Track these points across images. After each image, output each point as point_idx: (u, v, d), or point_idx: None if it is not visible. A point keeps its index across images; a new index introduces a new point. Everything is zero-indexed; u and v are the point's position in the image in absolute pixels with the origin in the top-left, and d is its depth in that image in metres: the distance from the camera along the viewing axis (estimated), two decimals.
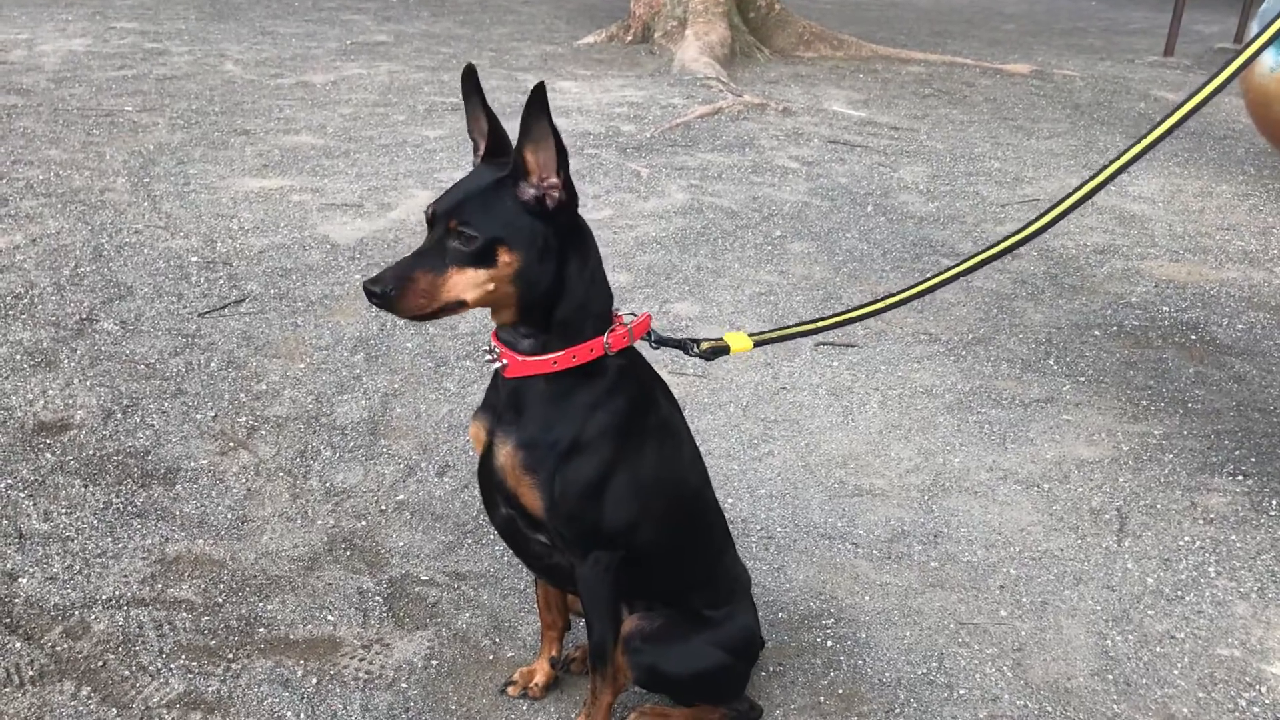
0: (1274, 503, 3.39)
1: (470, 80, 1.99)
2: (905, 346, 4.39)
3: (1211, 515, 3.33)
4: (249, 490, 3.24)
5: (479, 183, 1.94)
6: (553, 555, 2.16)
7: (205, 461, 3.37)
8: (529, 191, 1.90)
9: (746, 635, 2.36)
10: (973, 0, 16.85)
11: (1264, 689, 2.62)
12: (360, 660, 2.58)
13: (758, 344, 2.36)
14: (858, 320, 2.43)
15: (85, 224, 5.21)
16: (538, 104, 1.81)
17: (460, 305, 1.91)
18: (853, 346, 4.36)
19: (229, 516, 3.12)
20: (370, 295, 1.86)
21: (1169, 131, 2.32)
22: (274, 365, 3.98)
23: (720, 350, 2.31)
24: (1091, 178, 2.31)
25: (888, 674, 2.63)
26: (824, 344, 4.35)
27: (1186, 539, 3.21)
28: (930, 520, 3.26)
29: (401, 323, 4.29)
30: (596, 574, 2.10)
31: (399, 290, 1.86)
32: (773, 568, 3.01)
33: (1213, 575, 3.05)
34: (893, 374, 4.16)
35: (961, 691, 2.58)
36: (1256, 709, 2.56)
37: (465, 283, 1.88)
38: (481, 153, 2.03)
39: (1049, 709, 2.53)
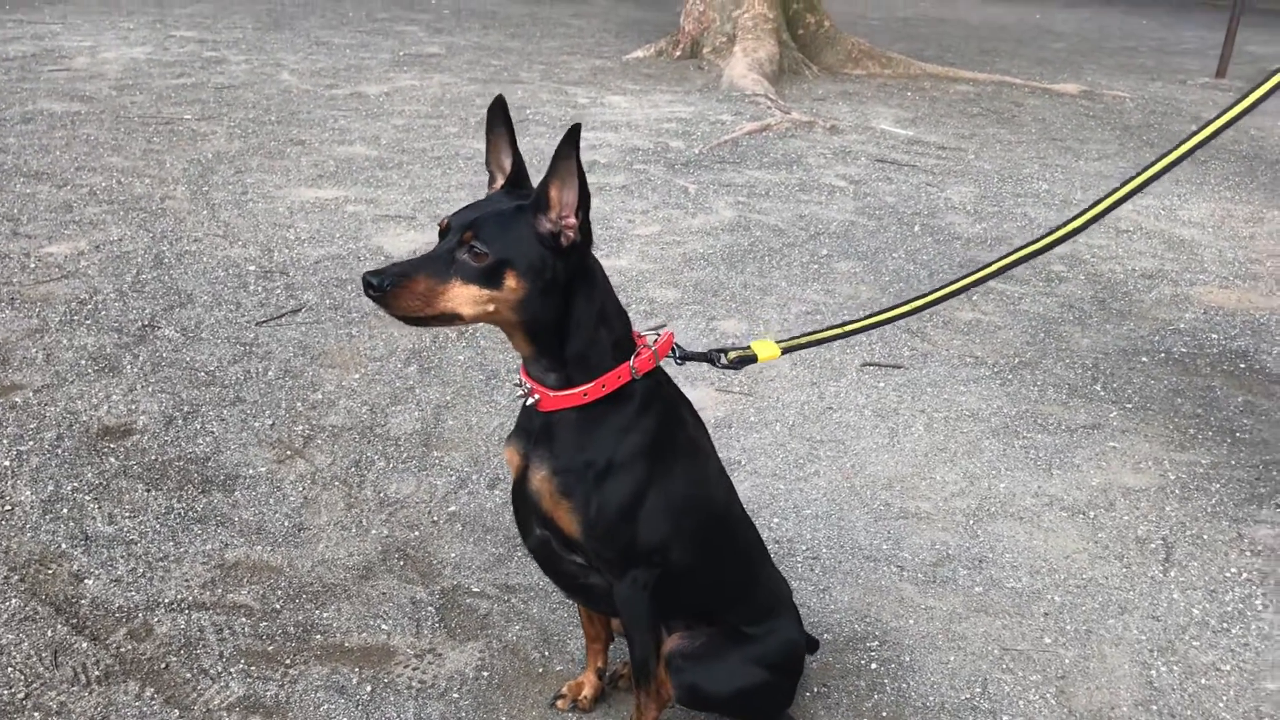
0: None
1: (499, 112, 2.03)
2: (951, 369, 4.40)
3: (1259, 547, 3.32)
4: (305, 498, 3.32)
5: (500, 205, 1.97)
6: (588, 576, 2.20)
7: (263, 469, 3.46)
8: (546, 225, 1.94)
9: (789, 651, 2.39)
10: (1022, 18, 16.79)
11: None
12: (414, 669, 2.65)
13: (785, 350, 2.37)
14: (885, 323, 2.43)
15: (146, 231, 5.35)
16: (570, 144, 1.85)
17: (455, 319, 1.93)
18: (899, 368, 4.38)
19: (286, 524, 3.20)
20: (368, 287, 1.86)
21: (1196, 148, 2.27)
22: (329, 375, 4.07)
23: (747, 359, 2.32)
24: (1118, 189, 2.26)
25: (931, 698, 2.65)
26: (870, 365, 4.38)
27: (1233, 570, 3.21)
28: (975, 545, 3.28)
29: (452, 335, 4.37)
30: (635, 592, 2.14)
31: (396, 288, 1.87)
32: (818, 588, 3.04)
33: (1259, 608, 3.04)
34: (938, 396, 4.18)
35: (1005, 718, 2.60)
36: None
37: (465, 297, 1.91)
38: (499, 185, 2.08)
39: None
